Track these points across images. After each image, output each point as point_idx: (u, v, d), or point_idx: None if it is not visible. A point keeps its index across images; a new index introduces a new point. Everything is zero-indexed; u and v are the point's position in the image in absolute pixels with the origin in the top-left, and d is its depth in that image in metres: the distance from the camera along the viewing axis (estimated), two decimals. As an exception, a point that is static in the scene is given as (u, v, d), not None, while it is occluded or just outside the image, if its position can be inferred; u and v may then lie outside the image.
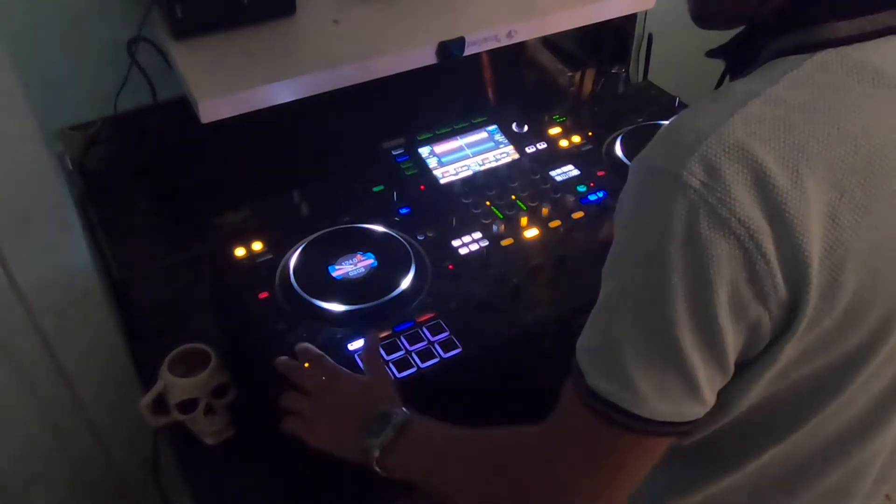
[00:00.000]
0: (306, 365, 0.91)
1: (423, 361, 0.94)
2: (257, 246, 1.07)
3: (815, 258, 0.52)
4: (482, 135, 1.27)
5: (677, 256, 0.52)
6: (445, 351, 0.95)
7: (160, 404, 0.91)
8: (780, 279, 0.52)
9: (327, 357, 0.91)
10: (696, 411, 0.59)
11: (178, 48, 0.97)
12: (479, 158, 1.24)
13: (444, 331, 0.97)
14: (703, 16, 0.64)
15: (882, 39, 0.54)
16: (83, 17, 1.05)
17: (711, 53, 0.67)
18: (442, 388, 0.94)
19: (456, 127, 1.28)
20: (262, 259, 1.06)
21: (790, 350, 0.57)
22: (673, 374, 0.56)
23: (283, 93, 0.94)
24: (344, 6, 1.06)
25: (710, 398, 0.59)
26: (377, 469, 0.77)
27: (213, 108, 0.91)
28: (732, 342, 0.56)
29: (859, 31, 0.54)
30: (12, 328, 1.03)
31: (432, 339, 0.96)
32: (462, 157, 1.24)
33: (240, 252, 1.06)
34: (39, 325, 1.04)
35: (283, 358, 0.91)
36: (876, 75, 0.54)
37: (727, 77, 0.69)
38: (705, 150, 0.52)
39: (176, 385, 0.89)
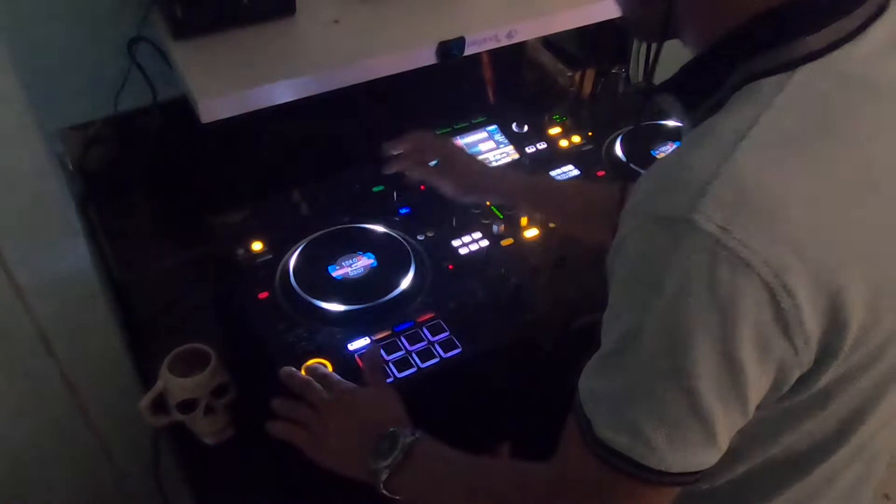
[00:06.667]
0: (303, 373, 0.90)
1: (423, 361, 0.94)
2: (257, 246, 1.07)
3: (851, 285, 0.50)
4: (482, 135, 1.27)
5: (699, 306, 0.50)
6: (445, 351, 0.95)
7: (160, 404, 0.91)
8: (807, 313, 0.50)
9: (334, 375, 0.90)
10: (711, 459, 0.57)
11: (178, 48, 0.97)
12: (479, 158, 1.24)
13: (444, 331, 0.97)
14: (633, 25, 0.64)
15: (849, 45, 0.53)
16: (83, 17, 1.05)
17: (660, 88, 0.62)
18: (442, 388, 0.94)
19: (456, 127, 1.28)
20: (262, 259, 1.06)
21: (827, 379, 0.55)
22: (691, 425, 0.54)
23: (283, 93, 0.94)
24: (344, 6, 1.06)
25: (726, 444, 0.57)
26: (384, 491, 0.77)
27: (213, 108, 0.91)
28: (756, 384, 0.53)
29: (828, 41, 0.53)
30: (13, 329, 1.03)
31: (432, 339, 0.96)
32: (462, 157, 1.24)
33: (240, 252, 1.06)
34: (40, 325, 1.04)
35: (289, 369, 0.90)
36: (860, 82, 0.53)
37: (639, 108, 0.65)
38: (717, 191, 0.49)
39: (176, 385, 0.89)
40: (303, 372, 0.91)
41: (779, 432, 0.63)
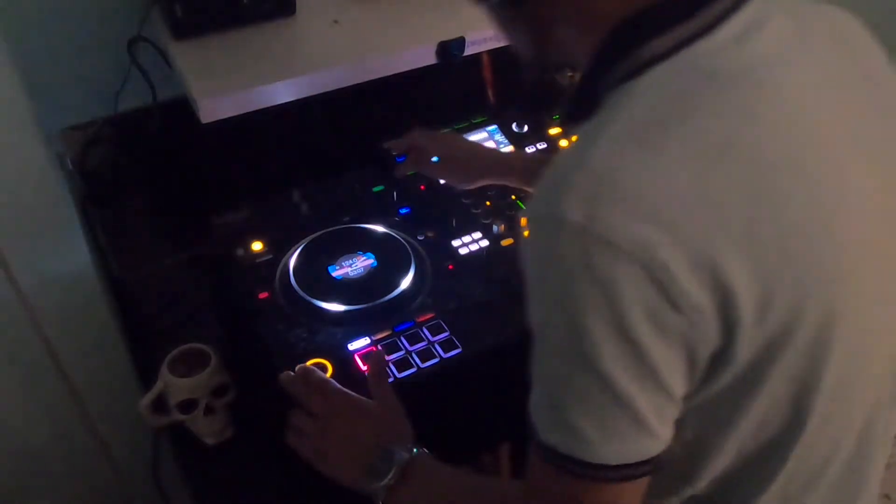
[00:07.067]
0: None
1: (423, 361, 0.94)
2: (257, 246, 1.07)
3: (725, 253, 0.52)
4: (482, 135, 1.27)
5: (583, 293, 0.53)
6: (445, 351, 0.95)
7: (160, 404, 0.91)
8: (688, 284, 0.52)
9: (332, 382, 0.89)
10: (650, 447, 0.58)
11: (178, 48, 0.97)
12: (476, 142, 1.23)
13: (444, 331, 0.97)
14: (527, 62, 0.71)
15: (695, 44, 0.57)
16: (83, 18, 1.05)
17: (562, 120, 0.67)
18: (442, 388, 0.94)
19: (456, 127, 1.28)
20: (262, 259, 1.06)
21: (746, 353, 0.56)
22: (615, 413, 0.56)
23: (283, 93, 0.94)
24: (344, 6, 1.06)
25: (663, 430, 0.58)
26: None
27: (213, 108, 0.91)
28: (666, 362, 0.55)
29: (673, 43, 0.57)
30: (13, 328, 1.03)
31: (432, 339, 0.96)
32: (462, 157, 1.24)
33: (240, 252, 1.06)
34: (40, 325, 1.04)
35: (288, 374, 0.90)
36: (702, 73, 0.57)
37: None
38: (578, 184, 0.53)
39: (176, 385, 0.89)
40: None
41: (733, 418, 0.63)
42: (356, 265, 1.04)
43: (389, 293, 1.00)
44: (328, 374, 0.91)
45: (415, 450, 0.80)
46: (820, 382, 0.62)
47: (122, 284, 1.11)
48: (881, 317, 0.64)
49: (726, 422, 0.63)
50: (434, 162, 1.14)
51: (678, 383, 0.57)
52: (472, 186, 1.14)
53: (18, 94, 0.91)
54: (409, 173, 1.16)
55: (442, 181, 1.16)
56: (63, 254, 1.04)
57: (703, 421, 0.62)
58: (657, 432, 0.58)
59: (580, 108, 0.64)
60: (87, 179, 1.14)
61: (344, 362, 0.93)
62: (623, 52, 0.59)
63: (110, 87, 1.08)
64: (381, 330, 0.97)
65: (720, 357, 0.57)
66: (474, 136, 1.27)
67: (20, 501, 1.28)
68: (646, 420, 0.57)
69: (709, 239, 0.52)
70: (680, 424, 0.61)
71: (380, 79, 0.99)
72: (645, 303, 0.52)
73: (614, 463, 0.57)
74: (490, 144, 1.26)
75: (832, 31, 0.65)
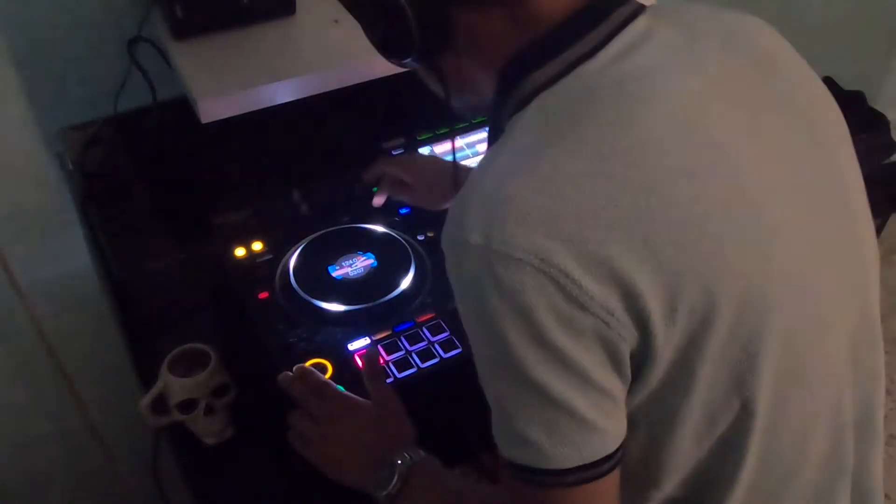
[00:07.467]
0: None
1: (423, 361, 0.94)
2: (257, 246, 1.07)
3: (616, 252, 0.54)
4: (482, 135, 1.27)
5: (497, 308, 0.56)
6: (445, 351, 0.95)
7: (160, 404, 0.91)
8: (591, 286, 0.54)
9: (331, 384, 0.89)
10: (603, 444, 0.60)
11: (178, 48, 0.97)
12: (479, 158, 1.24)
13: (444, 331, 0.97)
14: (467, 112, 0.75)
15: (577, 69, 0.61)
16: (83, 18, 1.05)
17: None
18: (442, 388, 0.94)
19: (456, 127, 1.28)
20: (262, 259, 1.06)
21: (668, 347, 0.58)
22: (556, 415, 0.58)
23: (283, 93, 0.94)
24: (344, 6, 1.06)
25: (611, 425, 0.60)
26: None
27: (213, 108, 0.91)
28: (588, 361, 0.57)
29: (554, 72, 0.61)
30: (13, 328, 1.03)
31: (432, 339, 0.96)
32: (462, 157, 1.24)
33: (240, 252, 1.06)
34: (39, 325, 1.04)
35: (286, 375, 0.90)
36: (583, 93, 0.61)
37: None
38: (473, 208, 0.58)
39: (176, 385, 0.89)
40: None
41: (677, 413, 0.63)
42: (356, 265, 1.04)
43: (389, 293, 1.00)
44: (328, 375, 0.91)
45: (416, 455, 0.80)
46: (758, 368, 0.62)
47: (122, 284, 1.11)
48: (816, 296, 0.65)
49: (672, 418, 0.64)
50: (406, 187, 1.13)
51: (610, 381, 0.59)
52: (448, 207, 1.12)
53: (18, 94, 0.91)
54: (382, 203, 1.14)
55: (419, 206, 1.14)
56: (63, 254, 1.04)
57: (650, 420, 0.64)
58: (605, 428, 0.59)
59: (488, 138, 0.71)
60: (87, 179, 1.14)
61: (344, 363, 0.93)
62: (511, 87, 0.64)
63: (110, 87, 1.08)
64: (381, 330, 0.97)
65: (643, 353, 0.58)
66: (474, 136, 1.27)
67: (21, 501, 1.28)
68: (589, 419, 0.58)
69: (599, 240, 0.55)
70: (631, 426, 0.63)
71: (380, 78, 0.99)
72: (554, 308, 0.55)
73: (571, 466, 0.59)
74: (490, 144, 1.26)
75: (728, 37, 0.67)
